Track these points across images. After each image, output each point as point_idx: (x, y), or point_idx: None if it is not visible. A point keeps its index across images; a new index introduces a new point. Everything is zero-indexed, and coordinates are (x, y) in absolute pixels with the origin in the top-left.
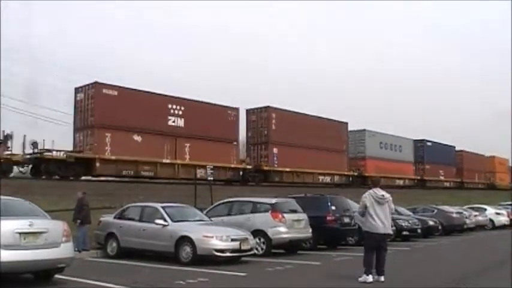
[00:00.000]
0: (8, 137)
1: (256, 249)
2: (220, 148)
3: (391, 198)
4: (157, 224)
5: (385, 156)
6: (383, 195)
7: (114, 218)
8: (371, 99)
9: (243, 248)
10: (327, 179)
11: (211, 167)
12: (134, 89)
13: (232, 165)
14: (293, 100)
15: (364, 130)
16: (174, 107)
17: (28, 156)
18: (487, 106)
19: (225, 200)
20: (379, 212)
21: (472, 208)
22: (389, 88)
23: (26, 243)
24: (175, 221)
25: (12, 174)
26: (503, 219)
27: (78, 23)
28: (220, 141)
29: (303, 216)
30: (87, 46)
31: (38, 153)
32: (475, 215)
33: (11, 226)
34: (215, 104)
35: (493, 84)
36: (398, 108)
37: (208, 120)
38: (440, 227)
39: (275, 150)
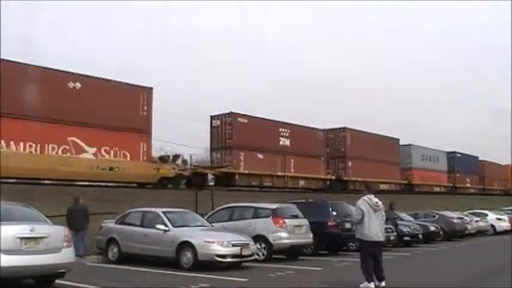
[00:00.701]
0: (176, 157)
1: (257, 254)
2: (313, 163)
3: (382, 206)
4: (158, 229)
5: (426, 167)
6: (377, 202)
7: (116, 223)
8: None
9: (244, 253)
10: (386, 186)
11: (212, 175)
12: (257, 117)
13: (322, 176)
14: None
15: (411, 145)
16: (283, 130)
17: (187, 173)
18: (486, 107)
19: (226, 206)
20: (375, 219)
21: (473, 213)
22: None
23: (27, 248)
24: (176, 226)
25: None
26: (504, 225)
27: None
28: (313, 156)
29: (304, 221)
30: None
31: (192, 168)
32: (476, 221)
33: (12, 231)
34: (308, 127)
35: (492, 84)
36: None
37: (305, 140)
38: (441, 233)
39: (350, 163)
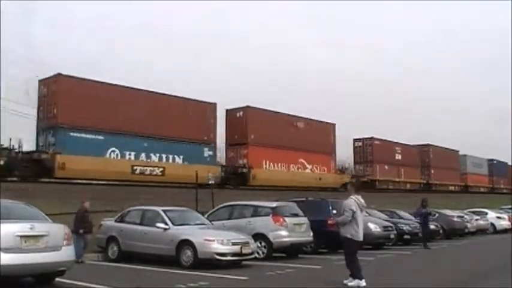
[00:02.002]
0: (345, 169)
1: (257, 253)
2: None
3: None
4: (158, 227)
5: (475, 172)
6: (363, 202)
7: (115, 221)
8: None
9: (244, 251)
10: (452, 188)
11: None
12: (390, 141)
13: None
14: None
15: (466, 155)
16: (398, 148)
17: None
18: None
19: (226, 204)
20: (360, 219)
21: (474, 212)
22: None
23: (27, 246)
24: (176, 225)
25: None
26: (504, 224)
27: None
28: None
29: (304, 220)
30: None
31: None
32: (476, 219)
33: (12, 229)
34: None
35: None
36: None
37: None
38: (441, 231)
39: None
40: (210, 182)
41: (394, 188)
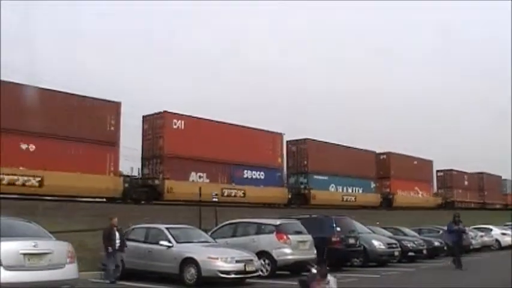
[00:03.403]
0: None
1: (261, 270)
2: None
3: None
4: (161, 245)
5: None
6: None
7: None
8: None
9: (247, 269)
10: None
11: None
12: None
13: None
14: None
15: (506, 179)
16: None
17: None
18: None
19: (230, 222)
20: None
21: (478, 228)
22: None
23: (31, 264)
24: (179, 243)
25: None
26: (509, 240)
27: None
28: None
29: (308, 237)
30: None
31: None
32: (481, 236)
33: (16, 247)
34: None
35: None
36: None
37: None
38: (445, 248)
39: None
40: (214, 199)
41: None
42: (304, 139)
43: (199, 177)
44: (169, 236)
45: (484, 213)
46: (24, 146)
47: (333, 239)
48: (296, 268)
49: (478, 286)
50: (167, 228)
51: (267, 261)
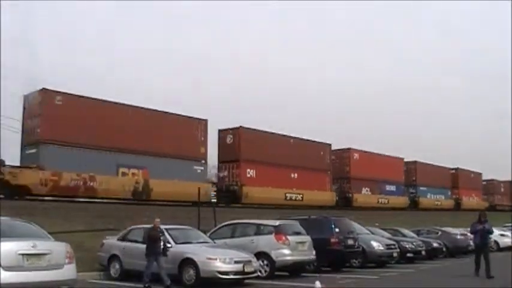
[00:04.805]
0: None
1: (260, 271)
2: None
3: None
4: None
5: None
6: None
7: (118, 240)
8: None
9: (246, 270)
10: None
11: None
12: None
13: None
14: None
15: None
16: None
17: None
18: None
19: (229, 222)
20: None
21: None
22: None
23: (29, 264)
24: (178, 243)
25: None
26: (508, 241)
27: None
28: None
29: (307, 238)
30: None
31: None
32: None
33: (14, 247)
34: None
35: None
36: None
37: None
38: (444, 249)
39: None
40: (212, 200)
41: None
42: (348, 148)
43: None
44: (168, 237)
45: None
46: (293, 175)
47: (332, 240)
48: (295, 269)
49: (479, 286)
50: (166, 229)
51: (265, 262)
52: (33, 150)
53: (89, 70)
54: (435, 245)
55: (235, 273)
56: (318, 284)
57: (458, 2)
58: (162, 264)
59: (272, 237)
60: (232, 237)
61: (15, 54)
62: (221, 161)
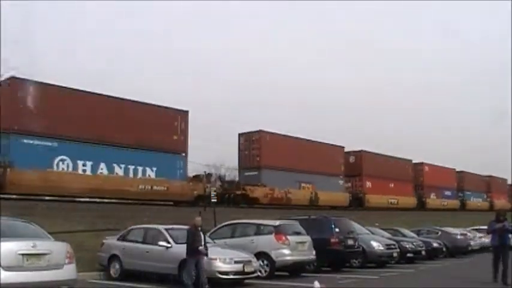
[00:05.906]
0: None
1: (260, 271)
2: None
3: None
4: (160, 246)
5: None
6: None
7: (118, 240)
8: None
9: (246, 270)
10: None
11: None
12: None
13: None
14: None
15: None
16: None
17: None
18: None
19: (229, 222)
20: None
21: (477, 230)
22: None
23: (29, 264)
24: (178, 243)
25: None
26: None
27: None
28: None
29: (307, 238)
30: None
31: None
32: (480, 237)
33: (14, 247)
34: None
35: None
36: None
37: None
38: (444, 249)
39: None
40: (213, 200)
41: None
42: (360, 150)
43: None
44: (168, 237)
45: None
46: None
47: (332, 240)
48: (295, 269)
49: (479, 287)
50: (166, 229)
51: (265, 262)
52: None
53: (89, 70)
54: (435, 245)
55: (235, 273)
56: (316, 284)
57: (458, 2)
58: (204, 265)
59: (272, 237)
60: (232, 237)
61: (15, 54)
62: None
